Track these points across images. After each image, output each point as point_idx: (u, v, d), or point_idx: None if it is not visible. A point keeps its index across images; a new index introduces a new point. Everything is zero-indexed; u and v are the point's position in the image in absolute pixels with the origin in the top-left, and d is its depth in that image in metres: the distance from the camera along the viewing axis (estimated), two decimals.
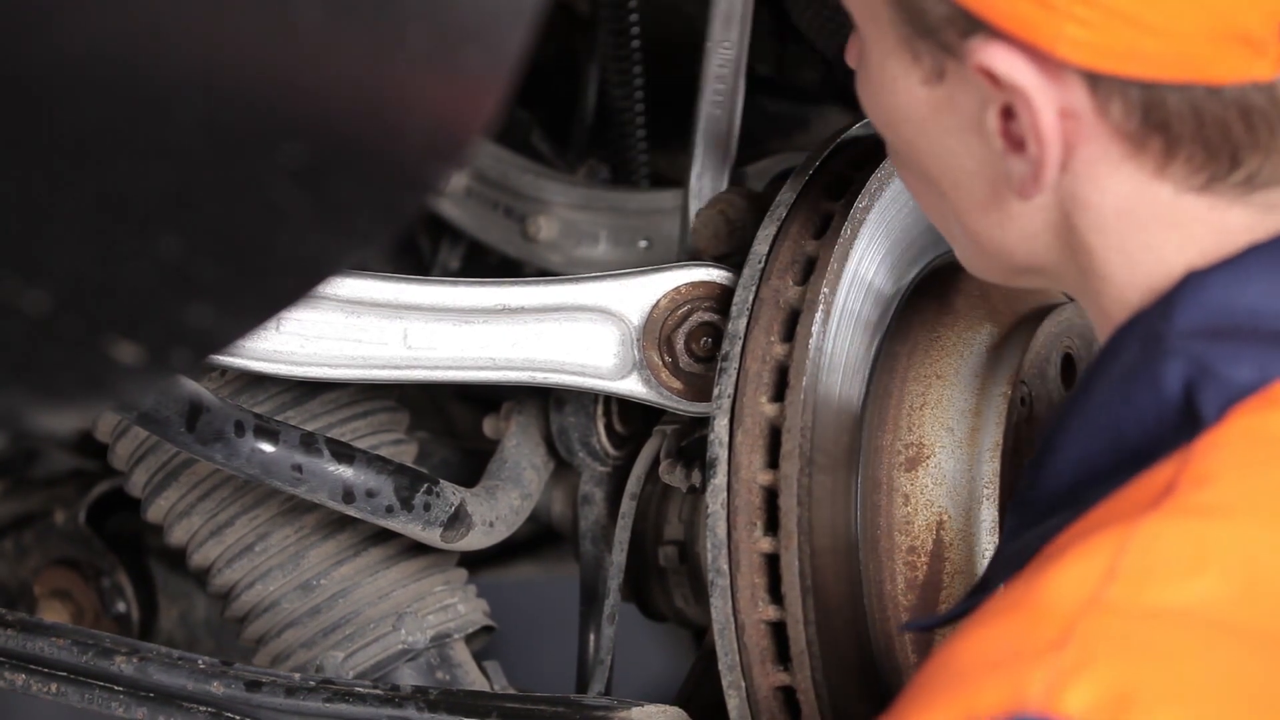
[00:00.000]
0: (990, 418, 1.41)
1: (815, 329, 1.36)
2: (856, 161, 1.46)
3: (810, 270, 1.39)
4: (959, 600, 1.22)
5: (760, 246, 1.41)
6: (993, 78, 1.08)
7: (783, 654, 1.35)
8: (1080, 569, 1.01)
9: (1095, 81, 1.07)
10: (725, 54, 1.55)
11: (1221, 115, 1.07)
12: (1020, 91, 1.08)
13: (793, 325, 1.38)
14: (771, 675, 1.35)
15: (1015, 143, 1.10)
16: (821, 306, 1.37)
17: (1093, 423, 1.11)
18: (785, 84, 1.82)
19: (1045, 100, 1.08)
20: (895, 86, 1.15)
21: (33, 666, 1.49)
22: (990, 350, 1.44)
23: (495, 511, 1.53)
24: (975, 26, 1.08)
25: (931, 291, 1.47)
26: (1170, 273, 1.11)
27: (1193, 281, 1.10)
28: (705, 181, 1.55)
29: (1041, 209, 1.13)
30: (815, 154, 1.46)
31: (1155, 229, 1.11)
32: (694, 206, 1.55)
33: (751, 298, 1.39)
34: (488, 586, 1.65)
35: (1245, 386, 1.06)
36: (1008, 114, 1.10)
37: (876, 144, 1.48)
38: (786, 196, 1.43)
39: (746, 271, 1.41)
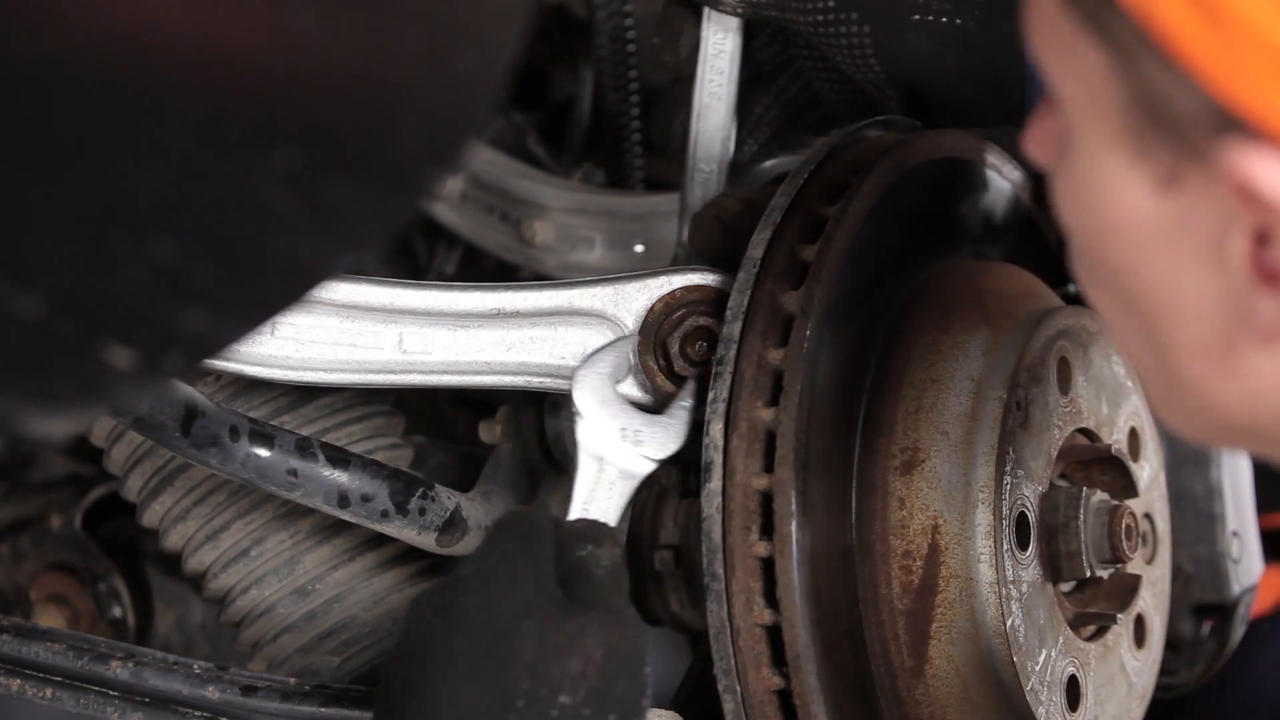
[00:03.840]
0: (986, 422, 1.41)
1: (810, 333, 1.36)
2: (852, 166, 1.46)
3: (805, 274, 1.39)
4: None
5: (755, 250, 1.41)
6: (1250, 193, 0.87)
7: (778, 658, 1.35)
8: None
9: None
10: (721, 41, 1.55)
11: None
12: None
13: (787, 330, 1.37)
14: (767, 679, 1.35)
15: (1268, 276, 0.89)
16: (816, 311, 1.37)
17: None
18: None
19: None
20: (1110, 189, 0.93)
21: (28, 671, 1.49)
22: (986, 354, 1.44)
23: (491, 516, 1.53)
24: (1232, 124, 0.87)
25: (927, 295, 1.47)
26: None
27: None
28: (701, 176, 1.55)
29: None
30: (811, 158, 1.46)
31: None
32: (693, 202, 1.55)
33: (746, 302, 1.39)
34: None
35: None
36: (1262, 239, 0.89)
37: (872, 148, 1.49)
38: (781, 200, 1.43)
39: (741, 275, 1.41)
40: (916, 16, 1.48)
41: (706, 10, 1.55)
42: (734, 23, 1.55)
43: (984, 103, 1.50)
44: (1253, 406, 0.94)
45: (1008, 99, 1.47)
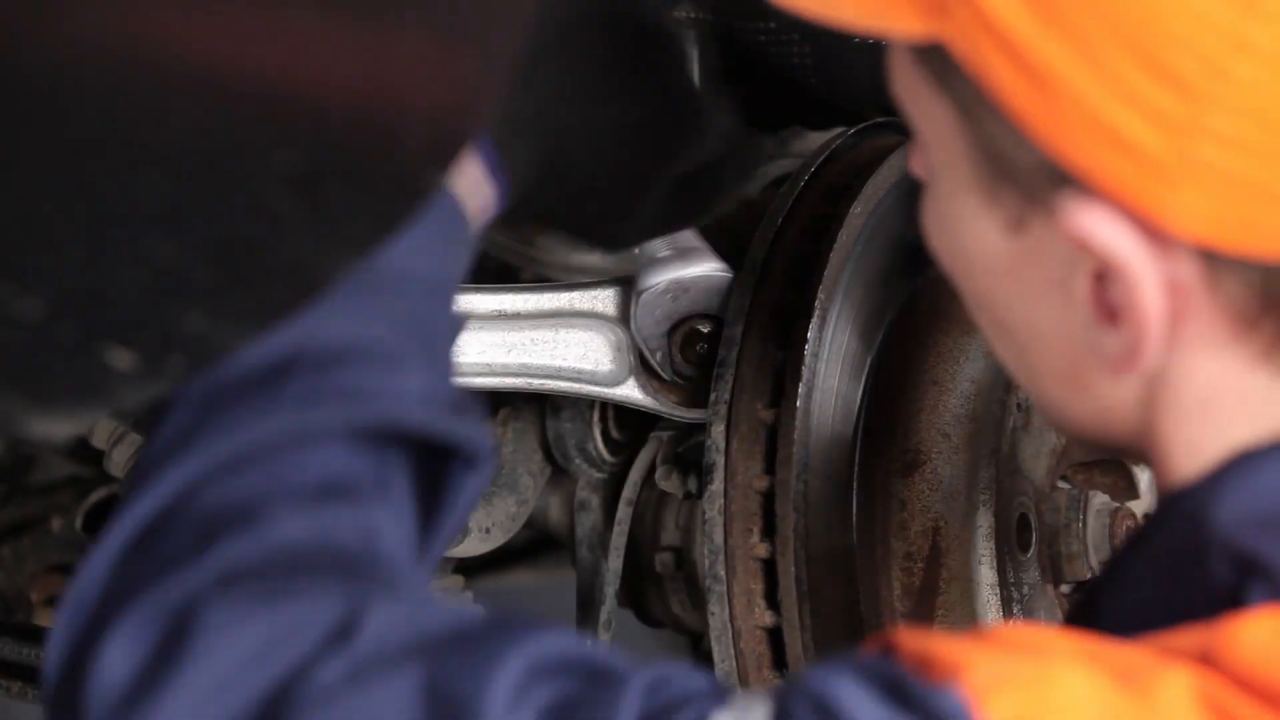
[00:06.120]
0: (987, 424, 1.41)
1: (811, 335, 1.36)
2: (854, 167, 1.46)
3: (807, 276, 1.39)
4: None
5: (757, 252, 1.41)
6: (1085, 243, 0.93)
7: (779, 660, 1.35)
8: None
9: (1209, 253, 0.92)
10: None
11: None
12: (1119, 262, 0.92)
13: (789, 331, 1.37)
14: (768, 681, 1.35)
15: (1108, 312, 0.95)
16: (818, 312, 1.37)
17: (1141, 599, 0.98)
18: None
19: (1149, 273, 0.92)
20: (968, 228, 0.99)
21: (29, 673, 1.49)
22: (987, 356, 1.44)
23: (491, 517, 1.53)
24: (1067, 179, 0.92)
25: (928, 297, 1.47)
26: (1229, 452, 0.97)
27: (1246, 463, 0.96)
28: None
29: (1126, 385, 0.98)
30: (812, 159, 1.46)
31: (1237, 416, 0.96)
32: None
33: (748, 303, 1.39)
34: (484, 593, 1.65)
35: None
36: (1100, 277, 0.94)
37: (874, 149, 1.49)
38: (783, 201, 1.43)
39: (743, 277, 1.41)
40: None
41: None
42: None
43: None
44: (1101, 421, 1.00)
45: None
